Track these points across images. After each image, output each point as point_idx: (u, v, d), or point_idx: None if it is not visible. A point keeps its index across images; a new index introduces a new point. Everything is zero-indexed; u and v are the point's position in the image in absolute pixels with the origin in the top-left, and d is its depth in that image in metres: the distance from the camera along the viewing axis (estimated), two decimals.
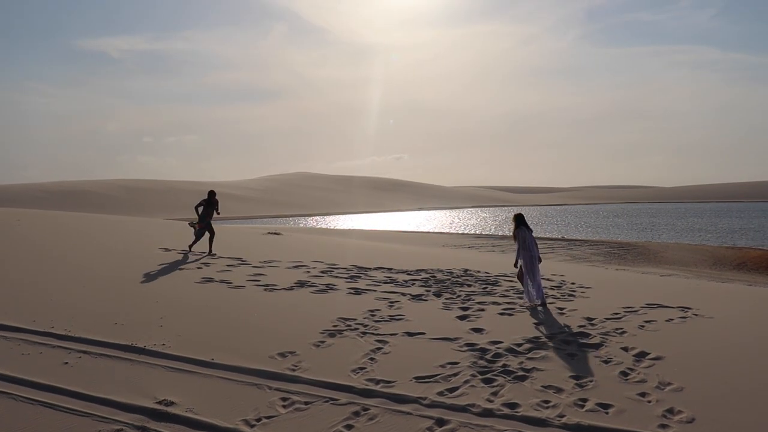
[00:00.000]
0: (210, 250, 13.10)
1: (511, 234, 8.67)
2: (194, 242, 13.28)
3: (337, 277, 10.60)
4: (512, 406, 4.79)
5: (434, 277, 11.00)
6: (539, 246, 8.72)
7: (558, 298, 9.07)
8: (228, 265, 11.44)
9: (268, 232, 21.93)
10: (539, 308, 8.25)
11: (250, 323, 7.16)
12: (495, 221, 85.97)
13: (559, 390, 5.13)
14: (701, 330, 7.28)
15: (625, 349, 6.30)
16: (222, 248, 13.83)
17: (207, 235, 13.31)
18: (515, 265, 8.63)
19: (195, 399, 4.85)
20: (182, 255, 12.68)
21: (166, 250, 13.35)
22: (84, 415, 4.54)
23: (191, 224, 13.58)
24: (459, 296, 9.08)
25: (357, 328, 7.00)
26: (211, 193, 13.38)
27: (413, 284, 10.09)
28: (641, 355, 6.07)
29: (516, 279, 8.70)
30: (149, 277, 9.93)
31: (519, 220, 8.65)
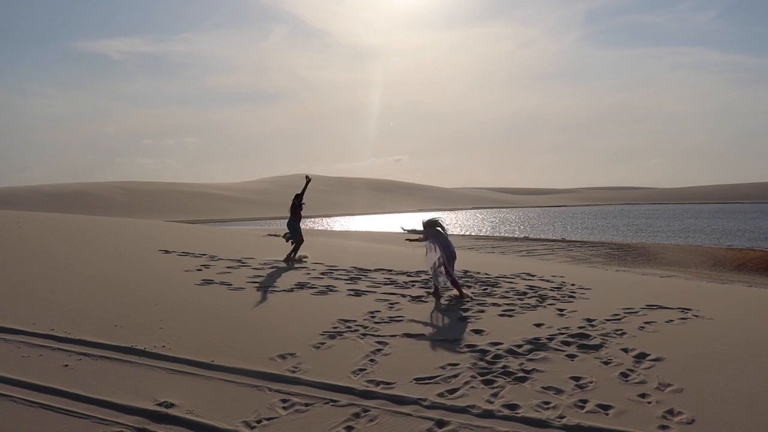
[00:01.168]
0: (289, 257, 12.46)
1: (423, 235, 9.26)
2: (294, 250, 12.65)
3: (337, 278, 10.60)
4: (512, 407, 4.79)
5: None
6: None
7: (558, 300, 9.07)
8: (228, 267, 11.44)
9: (268, 234, 21.94)
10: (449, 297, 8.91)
11: (250, 325, 7.17)
12: (495, 222, 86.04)
13: (559, 391, 5.13)
14: (701, 331, 7.28)
15: (625, 350, 6.31)
16: (222, 250, 13.84)
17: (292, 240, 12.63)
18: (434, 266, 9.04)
19: (195, 401, 4.86)
20: (180, 257, 12.66)
21: (166, 252, 13.35)
22: (84, 418, 4.54)
23: (285, 237, 12.90)
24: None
25: (357, 330, 7.00)
26: (297, 196, 12.79)
27: (413, 285, 10.09)
28: (641, 356, 6.08)
29: (432, 275, 9.23)
30: (149, 279, 9.93)
31: (435, 223, 9.30)
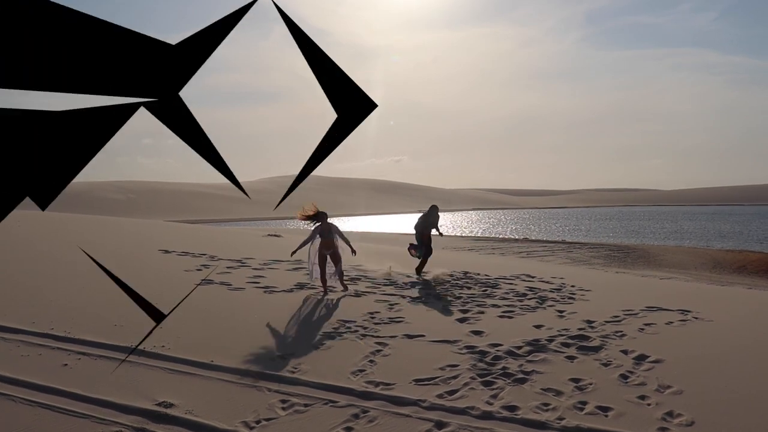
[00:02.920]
0: (419, 269, 11.55)
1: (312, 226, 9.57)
2: (421, 265, 11.70)
3: (337, 278, 10.58)
4: (512, 408, 4.78)
5: (434, 279, 10.99)
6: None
7: (557, 301, 9.07)
8: (228, 267, 11.43)
9: (268, 234, 21.93)
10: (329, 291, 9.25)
11: (250, 325, 7.16)
12: (495, 223, 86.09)
13: (558, 393, 5.12)
14: (701, 333, 7.28)
15: (625, 351, 6.30)
16: (222, 250, 13.83)
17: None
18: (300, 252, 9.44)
19: (194, 401, 4.85)
20: (179, 256, 12.65)
21: (166, 252, 13.34)
22: (83, 417, 4.53)
23: (410, 251, 12.11)
24: (459, 298, 9.08)
25: (357, 331, 6.99)
26: (433, 208, 12.04)
27: (413, 286, 10.09)
28: (641, 358, 6.07)
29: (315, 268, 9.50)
30: (149, 279, 9.92)
31: (323, 215, 9.48)
